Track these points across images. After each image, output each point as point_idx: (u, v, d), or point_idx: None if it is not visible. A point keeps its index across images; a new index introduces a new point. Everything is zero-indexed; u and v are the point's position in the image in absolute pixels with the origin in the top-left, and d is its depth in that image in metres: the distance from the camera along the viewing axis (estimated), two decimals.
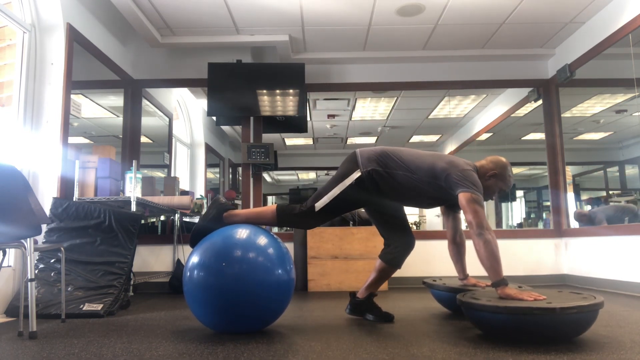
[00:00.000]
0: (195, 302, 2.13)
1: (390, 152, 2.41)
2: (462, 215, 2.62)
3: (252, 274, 2.09)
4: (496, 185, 2.40)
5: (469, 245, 2.87)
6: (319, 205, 2.38)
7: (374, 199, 2.47)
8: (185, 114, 6.37)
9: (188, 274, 2.14)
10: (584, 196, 5.48)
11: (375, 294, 2.64)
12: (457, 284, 2.77)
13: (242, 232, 2.23)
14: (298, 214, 2.40)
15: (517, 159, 6.78)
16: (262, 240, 2.22)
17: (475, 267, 3.62)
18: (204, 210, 5.15)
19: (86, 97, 4.13)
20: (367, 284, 2.63)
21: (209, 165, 6.66)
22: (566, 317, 1.82)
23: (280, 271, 2.16)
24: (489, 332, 2.06)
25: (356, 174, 2.36)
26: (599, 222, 4.64)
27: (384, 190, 2.39)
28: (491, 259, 2.09)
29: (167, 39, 4.53)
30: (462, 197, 2.21)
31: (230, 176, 7.78)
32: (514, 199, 7.08)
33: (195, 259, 2.15)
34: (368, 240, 4.29)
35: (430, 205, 2.60)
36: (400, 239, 2.54)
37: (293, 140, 7.89)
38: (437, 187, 2.33)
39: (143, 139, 4.88)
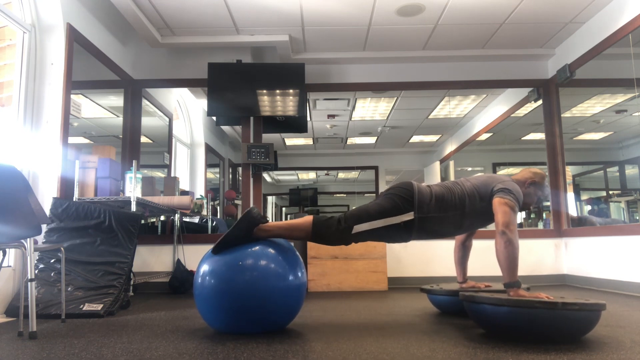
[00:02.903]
0: (207, 307, 2.16)
1: (445, 192, 2.36)
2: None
3: (263, 280, 2.12)
4: (535, 193, 2.45)
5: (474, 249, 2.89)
6: (358, 228, 2.29)
7: (410, 239, 2.43)
8: (185, 114, 6.37)
9: (200, 280, 2.17)
10: (584, 196, 5.48)
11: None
12: (456, 288, 2.77)
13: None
14: (334, 232, 2.30)
15: (517, 159, 6.78)
16: (273, 246, 2.25)
17: (471, 269, 3.61)
18: (205, 215, 5.14)
19: (86, 97, 4.13)
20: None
21: (209, 165, 6.66)
22: (568, 314, 1.83)
23: (291, 277, 2.19)
24: (491, 327, 2.05)
25: (407, 217, 2.29)
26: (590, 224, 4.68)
27: (429, 230, 2.36)
28: (509, 260, 2.10)
29: (167, 39, 4.53)
30: (497, 200, 2.24)
31: (230, 176, 7.78)
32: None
33: (206, 267, 2.19)
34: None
35: (472, 229, 2.61)
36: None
37: (293, 140, 7.89)
38: (482, 212, 2.34)
39: (143, 139, 4.88)
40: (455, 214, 2.34)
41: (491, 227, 2.31)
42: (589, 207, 5.43)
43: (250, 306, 2.10)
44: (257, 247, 2.22)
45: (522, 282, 2.13)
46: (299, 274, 2.25)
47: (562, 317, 1.84)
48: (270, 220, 2.34)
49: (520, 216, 7.08)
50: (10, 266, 3.03)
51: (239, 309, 2.11)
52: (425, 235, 2.40)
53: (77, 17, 3.71)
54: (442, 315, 2.70)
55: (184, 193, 4.58)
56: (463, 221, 2.37)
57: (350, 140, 8.05)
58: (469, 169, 7.72)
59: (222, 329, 2.22)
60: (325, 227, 2.30)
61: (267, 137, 4.93)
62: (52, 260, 3.04)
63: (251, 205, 4.64)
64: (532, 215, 6.93)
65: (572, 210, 4.82)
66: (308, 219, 2.32)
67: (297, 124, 5.00)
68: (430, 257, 4.65)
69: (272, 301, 2.13)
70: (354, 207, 2.42)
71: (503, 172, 6.97)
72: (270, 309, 2.15)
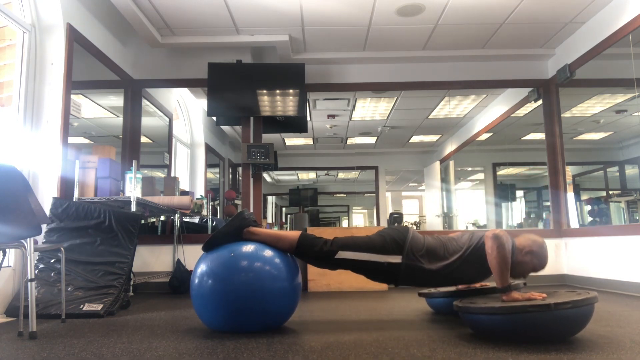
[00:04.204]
0: (204, 306, 2.19)
1: (437, 246, 2.35)
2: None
3: (259, 280, 2.15)
4: (532, 262, 2.34)
5: None
6: (342, 254, 2.30)
7: (402, 283, 2.40)
8: (185, 114, 6.37)
9: (196, 280, 2.20)
10: (584, 196, 5.48)
11: None
12: (453, 289, 2.77)
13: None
14: (318, 251, 2.32)
15: (517, 159, 6.79)
16: (269, 247, 2.29)
17: None
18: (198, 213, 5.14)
19: (86, 97, 4.13)
20: None
21: (209, 165, 6.66)
22: (562, 313, 1.83)
23: (286, 277, 2.21)
24: (487, 334, 2.06)
25: (394, 259, 2.29)
26: None
27: (415, 279, 2.36)
28: (501, 265, 2.09)
29: (167, 39, 4.53)
30: (488, 231, 2.20)
31: (230, 176, 7.78)
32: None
33: (203, 267, 2.21)
34: None
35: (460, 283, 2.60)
36: None
37: (293, 140, 7.89)
38: (471, 269, 2.33)
39: (143, 139, 4.88)
40: (444, 266, 2.32)
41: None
42: (588, 207, 5.43)
43: (245, 307, 2.13)
44: (253, 248, 2.24)
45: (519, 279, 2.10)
46: (294, 275, 2.28)
47: (556, 318, 1.84)
48: (270, 223, 2.35)
49: (521, 216, 7.08)
50: (10, 266, 3.03)
51: (235, 309, 2.13)
52: (411, 283, 2.39)
53: (77, 17, 3.71)
54: (441, 316, 2.69)
55: (184, 193, 4.58)
56: (451, 275, 2.35)
57: (350, 140, 8.05)
58: (469, 168, 7.72)
59: (218, 328, 2.24)
60: (310, 245, 2.33)
61: (267, 137, 4.93)
62: (52, 260, 3.04)
63: (251, 206, 4.65)
64: (532, 215, 6.93)
65: (572, 211, 4.82)
66: (296, 233, 2.35)
67: (297, 124, 5.00)
68: None
69: (267, 302, 2.15)
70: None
71: (503, 172, 6.98)
72: (266, 309, 2.17)
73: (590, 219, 5.41)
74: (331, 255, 2.31)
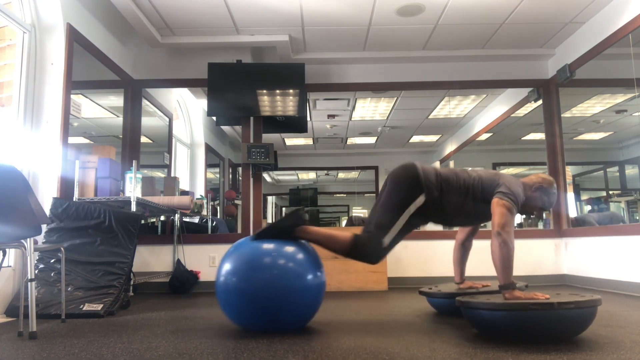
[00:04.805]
0: (230, 305, 2.21)
1: (450, 175, 2.39)
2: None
3: (283, 278, 2.16)
4: (540, 199, 2.39)
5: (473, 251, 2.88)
6: (386, 241, 2.32)
7: (427, 221, 2.47)
8: (185, 114, 6.37)
9: (222, 278, 2.21)
10: (584, 196, 5.48)
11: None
12: (454, 289, 2.77)
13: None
14: (372, 251, 2.34)
15: (517, 159, 6.78)
16: (294, 244, 2.30)
17: (471, 269, 3.60)
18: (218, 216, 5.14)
19: (86, 97, 4.13)
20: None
21: (209, 165, 6.66)
22: (564, 313, 1.83)
23: (310, 276, 2.22)
24: (489, 331, 2.05)
25: (419, 201, 2.34)
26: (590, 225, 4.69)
27: (439, 210, 2.39)
28: (504, 262, 2.10)
29: (167, 39, 4.52)
30: (495, 200, 2.24)
31: (230, 176, 7.78)
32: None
33: (227, 265, 2.23)
34: None
35: (471, 223, 2.62)
36: None
37: (293, 140, 7.89)
38: (482, 206, 2.34)
39: (143, 139, 4.88)
40: (459, 199, 2.35)
41: (489, 225, 2.30)
42: (589, 207, 5.43)
43: (269, 305, 2.13)
44: (278, 246, 2.25)
45: (522, 280, 2.11)
46: (318, 273, 2.28)
47: (558, 317, 1.84)
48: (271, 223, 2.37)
49: (520, 216, 7.08)
50: (10, 266, 3.03)
51: (258, 308, 2.14)
52: (436, 217, 2.43)
53: (77, 17, 3.71)
54: (441, 316, 2.70)
55: (184, 193, 4.58)
56: (466, 209, 2.37)
57: (350, 140, 8.04)
58: (469, 169, 7.71)
59: (246, 326, 2.26)
60: (362, 247, 2.34)
61: (267, 137, 4.92)
62: (52, 260, 3.04)
63: (251, 206, 4.64)
64: (532, 215, 6.92)
65: (572, 211, 4.82)
66: (349, 235, 2.36)
67: (297, 124, 5.00)
68: (430, 257, 4.65)
69: (291, 300, 2.16)
70: (368, 216, 2.45)
71: (503, 172, 6.97)
72: (289, 307, 2.17)
73: None
74: (380, 247, 2.32)
